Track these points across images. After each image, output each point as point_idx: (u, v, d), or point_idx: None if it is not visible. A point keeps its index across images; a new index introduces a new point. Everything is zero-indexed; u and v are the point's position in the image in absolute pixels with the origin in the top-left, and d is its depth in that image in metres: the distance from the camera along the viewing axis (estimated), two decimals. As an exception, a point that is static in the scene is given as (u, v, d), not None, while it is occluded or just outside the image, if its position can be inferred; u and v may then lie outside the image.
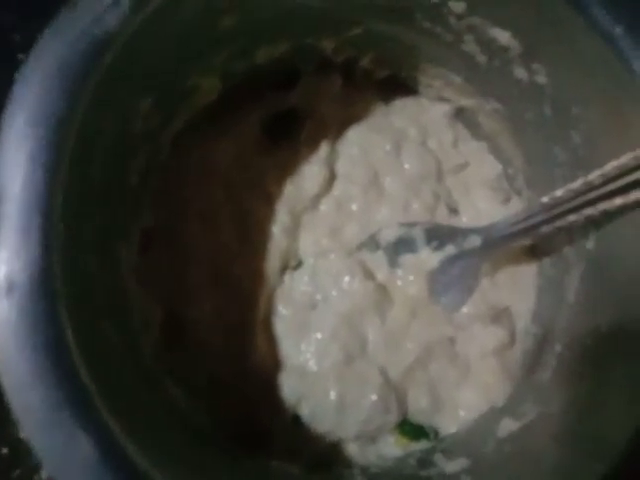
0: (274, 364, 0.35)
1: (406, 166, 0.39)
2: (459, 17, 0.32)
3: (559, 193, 0.28)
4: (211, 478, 0.24)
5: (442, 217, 0.39)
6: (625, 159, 0.25)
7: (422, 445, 0.34)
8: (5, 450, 0.39)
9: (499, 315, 0.36)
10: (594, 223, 0.30)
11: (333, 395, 0.33)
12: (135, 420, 0.22)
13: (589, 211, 0.27)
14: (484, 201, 0.40)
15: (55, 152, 0.22)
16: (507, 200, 0.40)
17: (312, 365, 0.34)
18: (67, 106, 0.22)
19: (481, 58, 0.34)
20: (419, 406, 0.35)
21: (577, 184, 0.27)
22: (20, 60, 0.43)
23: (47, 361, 0.19)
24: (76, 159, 0.23)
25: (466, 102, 0.39)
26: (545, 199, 0.29)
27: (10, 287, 0.20)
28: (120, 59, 0.24)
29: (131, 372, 0.26)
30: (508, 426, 0.31)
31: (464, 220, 0.40)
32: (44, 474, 0.39)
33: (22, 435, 0.39)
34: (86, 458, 0.19)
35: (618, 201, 0.25)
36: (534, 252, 0.38)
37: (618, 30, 0.27)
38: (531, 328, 0.37)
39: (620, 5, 0.27)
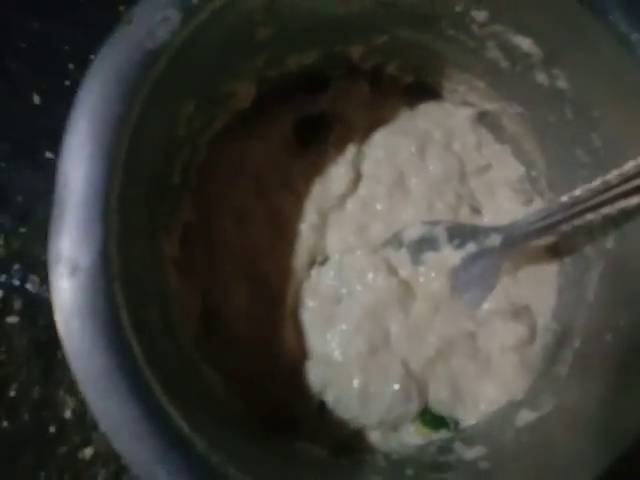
0: (301, 354, 0.37)
1: (430, 167, 0.41)
2: (482, 25, 0.33)
3: (578, 192, 0.29)
4: (243, 452, 0.26)
5: (465, 217, 0.40)
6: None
7: (442, 434, 0.36)
8: (52, 429, 0.42)
9: (519, 312, 0.37)
10: (613, 222, 0.31)
11: (357, 383, 0.35)
12: (177, 393, 0.24)
13: (607, 210, 0.28)
14: (506, 202, 0.41)
15: (113, 151, 0.25)
16: (529, 201, 0.41)
17: (337, 355, 0.36)
18: (123, 111, 0.25)
19: (504, 64, 0.35)
20: (440, 397, 0.36)
21: (595, 184, 0.28)
22: (70, 69, 0.48)
23: (104, 335, 0.22)
24: (129, 158, 0.26)
25: (489, 106, 0.41)
26: (564, 198, 0.30)
27: (74, 270, 0.23)
28: (169, 68, 0.27)
29: (172, 355, 0.28)
30: (525, 417, 0.32)
31: (486, 220, 0.41)
32: (88, 452, 0.42)
33: (67, 415, 0.43)
34: (136, 420, 0.21)
35: (635, 200, 0.26)
36: (555, 251, 0.39)
37: (635, 36, 0.28)
38: (551, 325, 0.37)
39: (638, 11, 0.28)
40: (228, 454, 0.23)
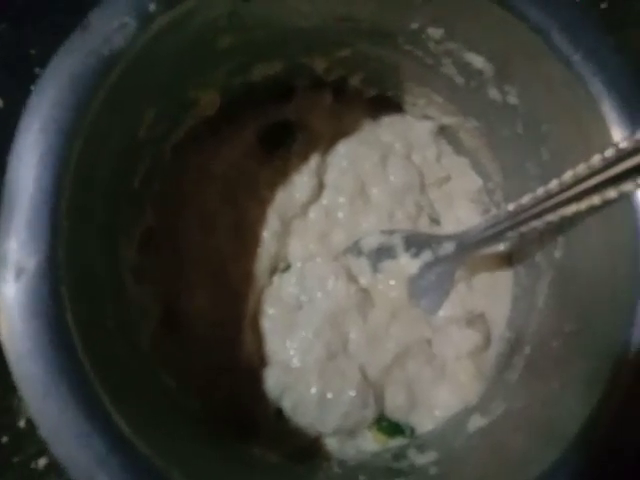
0: (260, 359, 0.37)
1: (391, 178, 0.42)
2: (437, 42, 0.35)
3: (523, 201, 0.30)
4: (193, 456, 0.26)
5: (424, 227, 0.42)
6: (580, 169, 0.27)
7: (398, 441, 0.36)
8: (5, 438, 0.41)
9: (475, 320, 0.38)
10: (560, 231, 0.32)
11: (314, 390, 0.35)
12: (125, 396, 0.24)
13: (550, 217, 0.29)
14: (465, 212, 0.42)
15: (63, 156, 0.25)
16: (486, 212, 0.42)
17: (296, 361, 0.36)
18: (76, 116, 0.25)
19: (459, 80, 0.37)
20: (396, 403, 0.37)
21: (538, 192, 0.29)
22: (37, 73, 0.47)
23: (48, 337, 0.22)
24: (82, 163, 0.26)
25: (448, 120, 0.42)
26: (510, 207, 0.31)
27: (19, 272, 0.23)
28: (126, 75, 0.27)
29: (127, 355, 0.28)
30: (477, 422, 0.33)
31: (445, 230, 0.42)
32: (41, 462, 0.41)
33: (21, 424, 0.42)
34: (77, 425, 0.21)
35: (573, 207, 0.28)
36: (510, 261, 0.41)
37: (577, 56, 0.29)
38: (505, 333, 0.39)
39: (579, 33, 0.29)
40: (174, 459, 0.23)
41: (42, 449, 0.41)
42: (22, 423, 0.41)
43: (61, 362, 0.22)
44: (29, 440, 0.41)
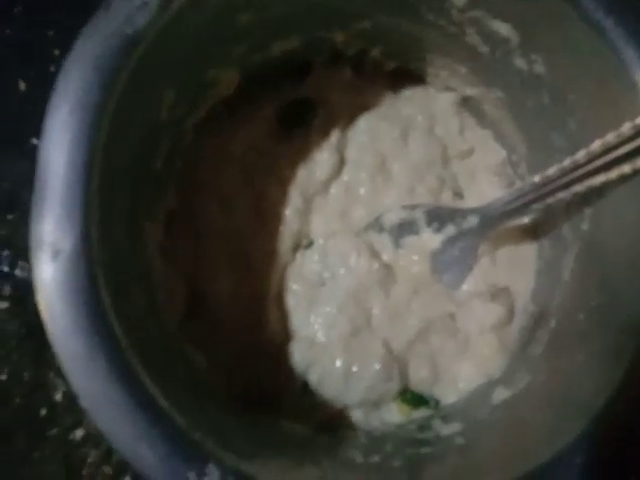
0: (285, 335, 0.38)
1: (413, 152, 0.41)
2: (461, 10, 0.34)
3: (549, 172, 0.30)
4: (224, 428, 0.27)
5: (447, 201, 0.41)
6: (609, 137, 0.26)
7: (422, 412, 0.37)
8: (43, 411, 0.43)
9: (498, 293, 0.38)
10: (586, 203, 0.32)
11: (339, 363, 0.36)
12: (159, 372, 0.25)
13: (577, 188, 0.29)
14: (488, 186, 0.42)
15: (92, 137, 0.25)
16: (511, 185, 0.42)
17: (320, 336, 0.37)
18: (102, 97, 0.25)
19: (483, 49, 0.36)
20: (420, 376, 0.37)
21: (565, 163, 0.29)
22: (55, 55, 0.47)
23: (86, 316, 0.23)
24: (110, 144, 0.26)
25: (471, 91, 0.41)
26: (536, 178, 0.31)
27: (56, 253, 0.23)
28: (148, 54, 0.27)
29: (157, 335, 0.29)
30: (501, 394, 0.33)
31: (469, 204, 0.41)
32: (78, 433, 0.43)
33: (57, 398, 0.43)
34: (117, 398, 0.22)
35: (601, 177, 0.27)
36: (534, 234, 0.40)
37: (608, 22, 0.28)
38: (529, 306, 0.39)
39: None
40: (208, 430, 0.24)
41: (78, 421, 0.43)
42: (58, 396, 0.43)
43: (100, 340, 0.23)
44: (66, 413, 0.43)
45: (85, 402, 0.23)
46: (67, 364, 0.22)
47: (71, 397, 0.43)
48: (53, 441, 0.42)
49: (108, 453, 0.42)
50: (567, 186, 0.29)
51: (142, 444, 0.22)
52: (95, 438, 0.42)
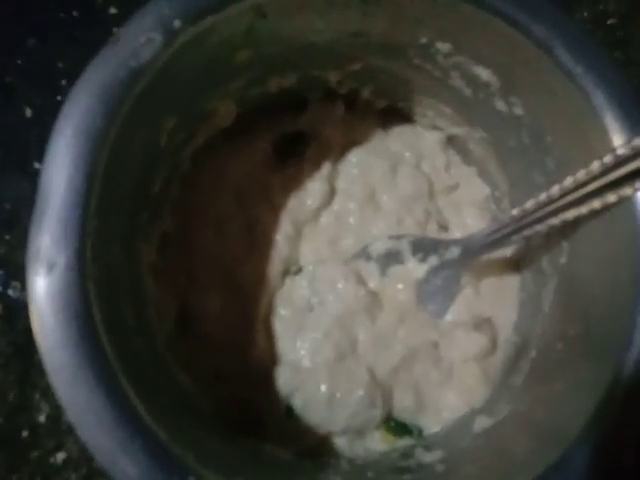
0: (272, 359, 0.38)
1: (401, 186, 0.43)
2: (446, 55, 0.36)
3: (527, 206, 0.32)
4: (206, 446, 0.28)
5: (433, 233, 0.43)
6: (580, 174, 0.28)
7: (406, 441, 0.37)
8: (25, 433, 0.42)
9: (482, 324, 0.39)
10: (563, 236, 0.33)
11: (324, 389, 0.36)
12: (145, 387, 0.25)
13: (552, 221, 0.30)
14: (472, 220, 0.43)
15: (93, 160, 0.27)
16: (494, 219, 0.43)
17: (306, 361, 0.37)
18: (105, 123, 0.27)
19: (467, 92, 0.38)
20: (404, 405, 0.37)
21: (541, 197, 0.31)
22: (63, 85, 0.50)
23: (76, 328, 0.24)
24: (110, 166, 0.28)
25: (456, 130, 0.43)
26: (515, 211, 0.33)
27: (50, 267, 0.24)
28: (150, 86, 0.29)
29: (145, 352, 0.30)
30: (483, 423, 0.34)
31: (453, 236, 0.43)
32: (60, 456, 0.43)
33: (41, 420, 0.43)
34: (101, 411, 0.23)
35: (574, 212, 0.29)
36: (517, 267, 0.41)
37: (579, 70, 0.30)
38: (512, 337, 0.39)
39: (581, 48, 0.31)
40: (190, 446, 0.24)
41: (60, 444, 0.42)
42: (42, 418, 0.43)
43: (88, 353, 0.23)
44: (48, 435, 0.42)
45: (70, 414, 0.23)
46: (54, 375, 0.23)
47: (54, 419, 0.43)
48: (33, 464, 0.42)
49: (88, 477, 0.41)
50: (543, 219, 0.31)
51: (123, 456, 0.22)
52: (76, 462, 0.42)
